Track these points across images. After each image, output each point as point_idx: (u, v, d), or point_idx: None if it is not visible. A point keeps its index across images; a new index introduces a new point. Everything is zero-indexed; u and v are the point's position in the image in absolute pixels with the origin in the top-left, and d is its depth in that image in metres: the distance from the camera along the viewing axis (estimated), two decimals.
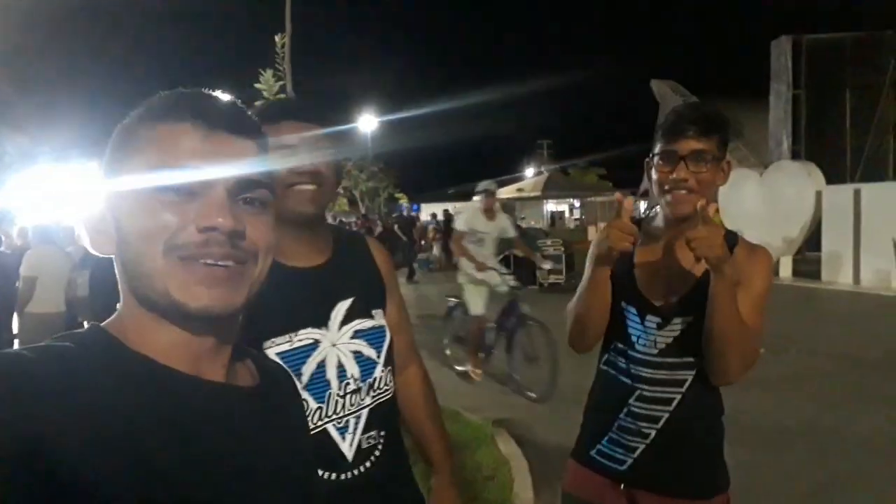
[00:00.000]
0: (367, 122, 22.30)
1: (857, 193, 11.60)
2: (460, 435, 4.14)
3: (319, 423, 1.24)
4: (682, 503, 1.52)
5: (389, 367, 1.36)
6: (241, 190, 0.66)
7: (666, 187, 1.45)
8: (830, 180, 12.94)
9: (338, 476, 1.25)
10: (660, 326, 1.51)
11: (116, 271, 0.67)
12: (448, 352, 6.65)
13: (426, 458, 1.52)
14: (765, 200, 13.15)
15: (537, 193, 24.23)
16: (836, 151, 18.04)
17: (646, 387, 1.52)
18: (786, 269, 13.08)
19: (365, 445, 1.29)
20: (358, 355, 1.31)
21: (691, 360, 1.49)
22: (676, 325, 1.50)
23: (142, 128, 0.65)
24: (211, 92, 0.69)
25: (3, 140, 16.09)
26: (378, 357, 1.33)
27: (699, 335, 1.44)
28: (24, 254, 5.24)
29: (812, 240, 12.71)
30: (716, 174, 1.45)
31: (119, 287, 0.67)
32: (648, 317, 1.52)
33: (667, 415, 1.51)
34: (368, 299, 1.36)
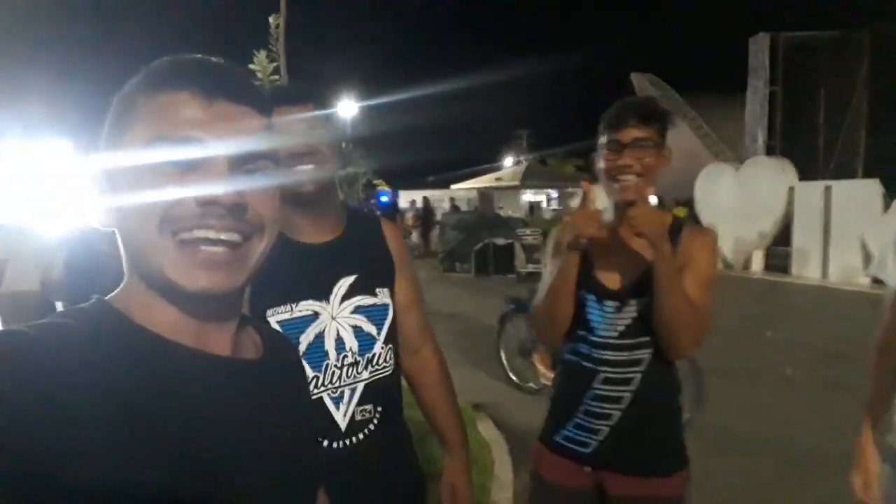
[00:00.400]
0: (347, 107, 22.15)
1: (827, 190, 11.87)
2: None
3: (315, 391, 1.29)
4: (645, 482, 1.57)
5: (390, 346, 1.40)
6: (244, 161, 0.64)
7: (613, 174, 1.55)
8: (804, 176, 13.21)
9: (330, 444, 1.30)
10: (618, 309, 1.58)
11: (119, 246, 0.66)
12: (507, 365, 5.47)
13: (441, 440, 1.55)
14: (740, 195, 13.38)
15: (516, 183, 24.34)
16: (811, 148, 18.40)
17: (608, 369, 1.58)
18: (757, 263, 13.36)
19: (359, 417, 1.33)
20: (357, 330, 1.35)
21: (648, 339, 1.57)
22: (633, 307, 1.57)
23: (140, 97, 0.63)
24: (211, 58, 0.67)
25: None
26: (378, 334, 1.38)
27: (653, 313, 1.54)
28: None
29: (783, 234, 12.98)
30: (658, 160, 1.55)
31: (122, 262, 0.67)
32: (606, 301, 1.59)
33: (629, 395, 1.57)
34: (373, 277, 1.40)
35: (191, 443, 0.59)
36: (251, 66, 4.40)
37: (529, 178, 24.72)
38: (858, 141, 18.49)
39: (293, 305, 1.30)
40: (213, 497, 0.60)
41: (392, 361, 1.40)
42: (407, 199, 25.15)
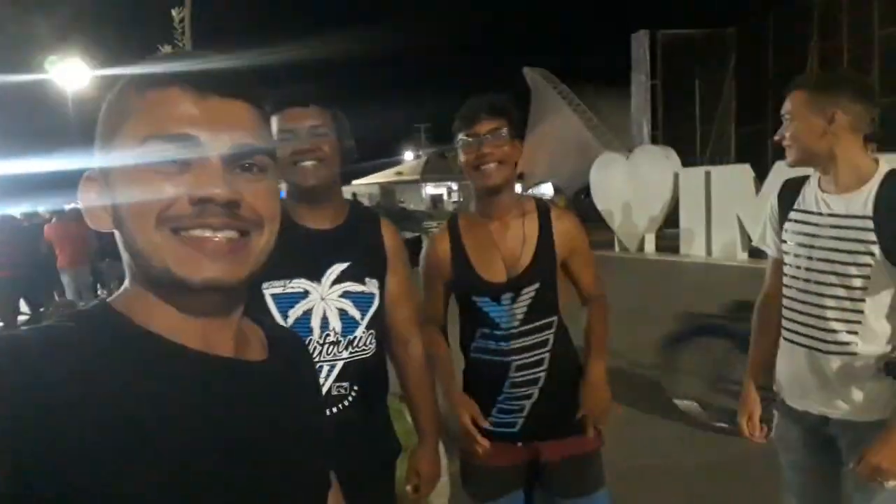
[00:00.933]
0: None
1: (707, 175, 12.82)
2: None
3: None
4: (570, 441, 1.70)
5: (372, 331, 1.51)
6: (238, 157, 0.62)
7: (475, 164, 1.63)
8: (685, 163, 14.19)
9: None
10: (513, 300, 1.68)
11: (119, 247, 0.64)
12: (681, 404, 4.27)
13: (415, 427, 1.67)
14: (630, 182, 14.17)
15: (416, 177, 24.50)
16: (689, 136, 19.87)
17: (519, 357, 1.68)
18: (650, 245, 14.22)
19: (334, 393, 1.45)
20: (343, 313, 1.47)
21: (547, 320, 1.71)
22: (527, 294, 1.68)
23: (130, 95, 0.62)
24: (202, 51, 0.65)
25: None
26: (361, 319, 1.51)
27: (547, 295, 1.70)
28: None
29: (671, 218, 13.89)
30: (513, 148, 1.66)
31: (123, 263, 0.65)
32: (501, 297, 1.68)
33: (543, 373, 1.69)
34: (364, 267, 1.52)
35: (194, 447, 0.58)
36: None
37: (430, 172, 24.96)
38: (729, 129, 20.18)
39: (287, 282, 1.43)
40: (219, 502, 0.60)
41: (373, 346, 1.51)
42: None
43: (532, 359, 1.68)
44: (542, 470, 1.74)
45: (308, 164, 1.41)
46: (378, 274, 1.54)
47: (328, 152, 1.43)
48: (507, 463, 1.72)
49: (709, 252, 12.73)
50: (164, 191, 0.59)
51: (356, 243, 1.52)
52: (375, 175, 26.38)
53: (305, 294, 1.44)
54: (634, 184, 14.01)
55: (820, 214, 1.64)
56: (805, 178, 1.73)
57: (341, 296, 1.47)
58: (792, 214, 1.72)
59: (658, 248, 14.14)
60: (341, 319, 1.46)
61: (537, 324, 1.68)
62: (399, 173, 25.28)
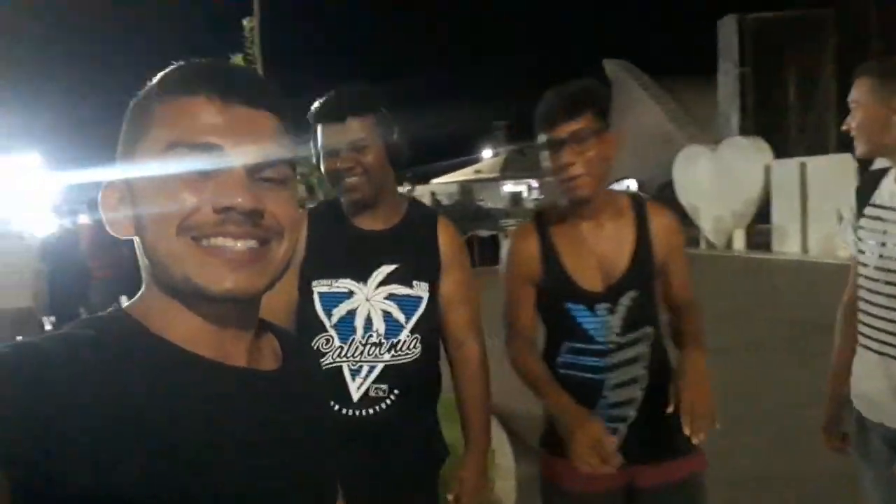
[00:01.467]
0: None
1: (802, 166, 12.08)
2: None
3: (338, 360, 1.43)
4: (674, 464, 1.53)
5: (417, 335, 1.47)
6: (261, 167, 0.62)
7: (559, 174, 1.45)
8: (778, 155, 13.42)
9: (340, 409, 1.41)
10: (609, 311, 1.51)
11: (137, 255, 0.65)
12: None
13: (464, 433, 1.58)
14: (717, 175, 13.56)
15: (495, 175, 24.44)
16: (782, 126, 18.71)
17: (614, 374, 1.52)
18: (739, 242, 13.56)
19: (372, 394, 1.43)
20: (387, 315, 1.46)
21: (645, 331, 1.54)
22: (624, 304, 1.52)
23: (154, 103, 0.63)
24: (227, 62, 0.67)
25: None
26: (406, 322, 1.46)
27: (645, 304, 1.53)
28: None
29: (763, 212, 13.19)
30: (602, 149, 1.44)
31: (140, 271, 0.66)
32: (597, 306, 1.52)
33: (640, 392, 1.53)
34: (414, 270, 1.49)
35: (206, 457, 0.59)
36: None
37: (509, 169, 24.84)
38: (829, 118, 18.84)
39: (333, 281, 1.44)
40: None
41: (418, 350, 1.47)
42: None
43: (629, 375, 1.52)
44: (639, 497, 1.56)
45: (351, 180, 1.40)
46: (429, 277, 1.50)
47: (371, 162, 1.41)
48: (599, 490, 1.51)
49: (804, 249, 11.99)
50: (186, 199, 0.59)
51: (407, 244, 1.49)
52: (455, 173, 26.59)
53: (350, 294, 1.44)
54: (721, 177, 13.40)
55: (893, 210, 1.53)
56: (885, 171, 1.61)
57: (386, 298, 1.45)
58: (867, 210, 1.60)
59: (748, 246, 13.46)
60: (385, 321, 1.44)
61: (634, 335, 1.52)
62: (478, 171, 25.31)
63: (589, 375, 1.53)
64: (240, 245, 0.61)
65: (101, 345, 0.57)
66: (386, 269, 1.46)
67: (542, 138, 1.48)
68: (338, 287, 1.44)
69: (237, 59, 4.34)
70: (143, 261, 0.64)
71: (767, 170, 12.82)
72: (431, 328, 1.51)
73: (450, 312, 1.54)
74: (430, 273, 1.50)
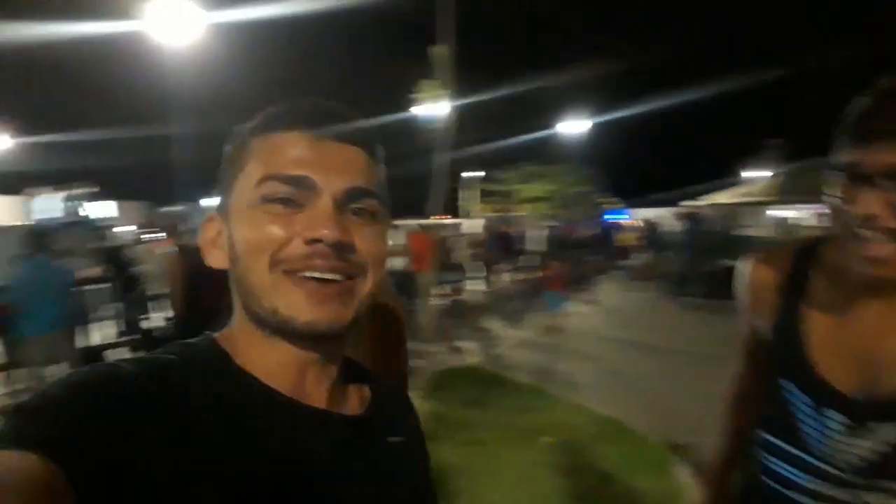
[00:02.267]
0: (574, 126, 23.18)
1: None
2: (626, 456, 3.84)
3: None
4: None
5: None
6: (350, 200, 0.63)
7: (851, 225, 0.92)
8: None
9: None
10: (850, 430, 1.00)
11: (231, 284, 0.67)
12: None
13: None
14: None
15: (771, 198, 21.51)
16: None
17: None
18: None
19: None
20: None
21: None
22: (882, 433, 0.98)
23: (252, 139, 0.66)
24: (323, 100, 0.68)
25: None
26: None
27: None
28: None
29: None
30: None
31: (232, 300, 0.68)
32: (829, 411, 1.03)
33: None
34: None
35: (269, 494, 0.58)
36: (418, 96, 4.66)
37: (779, 193, 21.65)
38: None
39: None
40: None
41: None
42: (639, 216, 24.60)
43: None
44: None
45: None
46: None
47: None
48: None
49: None
50: (277, 231, 0.61)
51: None
52: (715, 194, 23.86)
53: None
54: None
55: None
56: None
57: None
58: None
59: None
60: None
61: (884, 482, 0.98)
62: (745, 194, 24.42)
63: (790, 494, 1.08)
64: (327, 277, 0.61)
65: (180, 372, 0.59)
66: None
67: (843, 158, 0.93)
68: None
69: (433, 82, 4.49)
70: (234, 291, 0.66)
71: None
72: None
73: None
74: None
